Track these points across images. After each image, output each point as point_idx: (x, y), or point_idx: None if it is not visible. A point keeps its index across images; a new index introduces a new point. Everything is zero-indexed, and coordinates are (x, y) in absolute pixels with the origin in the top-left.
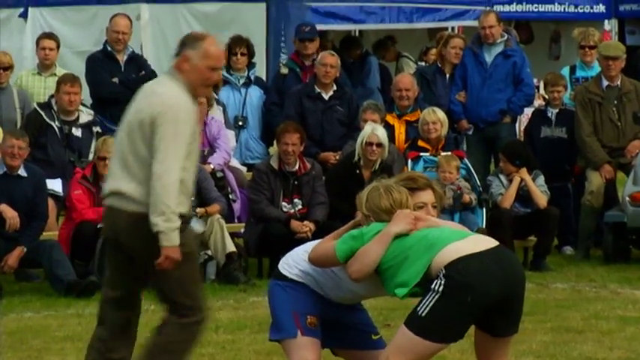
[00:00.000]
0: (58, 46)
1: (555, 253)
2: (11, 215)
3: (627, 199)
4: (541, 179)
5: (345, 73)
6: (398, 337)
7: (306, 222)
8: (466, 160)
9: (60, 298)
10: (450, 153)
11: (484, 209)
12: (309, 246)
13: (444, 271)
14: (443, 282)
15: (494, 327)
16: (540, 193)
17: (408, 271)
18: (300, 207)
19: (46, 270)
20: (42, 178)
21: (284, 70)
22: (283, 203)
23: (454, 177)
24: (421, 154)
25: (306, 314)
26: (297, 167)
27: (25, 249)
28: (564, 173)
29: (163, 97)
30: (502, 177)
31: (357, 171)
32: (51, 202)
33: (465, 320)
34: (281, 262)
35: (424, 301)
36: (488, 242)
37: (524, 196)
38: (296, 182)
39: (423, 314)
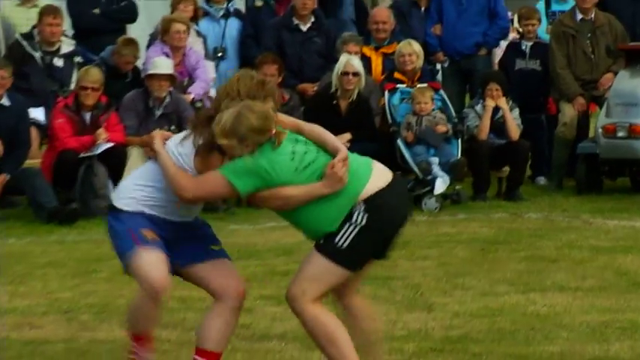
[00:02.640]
0: None
1: (529, 184)
2: None
3: (600, 130)
4: (516, 112)
5: (319, 5)
6: (312, 267)
7: None
8: (442, 92)
9: (42, 225)
10: (425, 85)
11: (459, 140)
12: (139, 178)
13: (363, 206)
14: (365, 216)
15: (375, 255)
16: (514, 125)
17: (331, 210)
18: None
19: (28, 197)
20: (25, 107)
21: (258, 3)
22: None
23: (429, 108)
24: (397, 85)
25: (140, 228)
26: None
27: (8, 176)
28: (538, 105)
29: None
30: (477, 109)
31: (335, 101)
32: (34, 131)
33: (375, 250)
34: (112, 196)
35: (343, 233)
36: (388, 172)
37: (498, 127)
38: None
39: (344, 245)
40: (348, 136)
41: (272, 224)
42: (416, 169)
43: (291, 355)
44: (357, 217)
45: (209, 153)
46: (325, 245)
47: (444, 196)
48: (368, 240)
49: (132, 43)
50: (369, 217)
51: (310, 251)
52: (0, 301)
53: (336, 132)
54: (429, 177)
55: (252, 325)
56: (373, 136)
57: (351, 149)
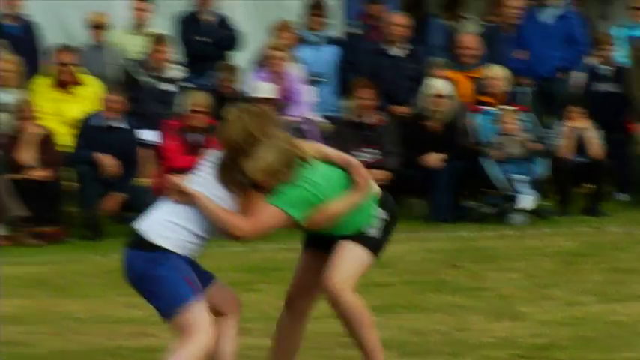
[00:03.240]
0: (150, 7)
1: (610, 200)
2: (110, 163)
3: None
4: (596, 132)
5: (412, 32)
6: (351, 258)
7: (380, 171)
8: (526, 113)
9: None
10: (510, 106)
11: (543, 159)
12: (173, 215)
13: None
14: (382, 210)
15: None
16: (595, 144)
17: (366, 212)
18: (375, 157)
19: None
20: (136, 129)
21: (354, 31)
22: (360, 153)
23: (514, 128)
24: (484, 107)
25: (192, 275)
26: (370, 119)
27: (123, 194)
28: (617, 125)
29: None
30: (560, 129)
31: (425, 122)
32: (145, 152)
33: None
34: (150, 232)
35: (372, 227)
36: None
37: (580, 146)
38: (371, 134)
39: (377, 236)
40: (439, 156)
41: None
42: (502, 186)
43: None
44: (380, 212)
45: (246, 192)
46: (359, 237)
47: (529, 212)
48: (389, 229)
49: (231, 68)
50: (387, 212)
51: (342, 244)
52: (116, 311)
53: (426, 151)
54: (515, 193)
55: None
56: (461, 155)
57: (442, 168)
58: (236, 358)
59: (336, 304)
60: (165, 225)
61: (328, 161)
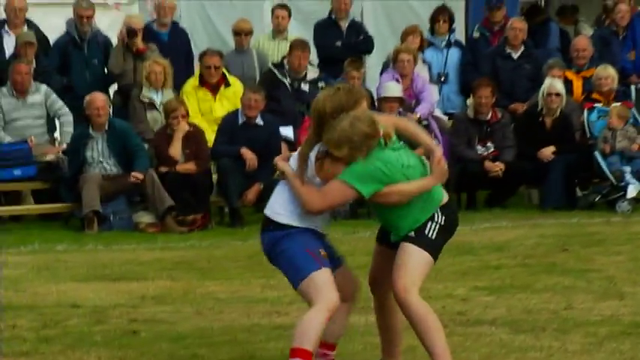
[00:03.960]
0: (290, 15)
1: None
2: (250, 157)
3: None
4: None
5: (529, 35)
6: (415, 260)
7: (497, 162)
8: (634, 110)
9: None
10: (619, 104)
11: None
12: (283, 191)
13: (440, 210)
14: (443, 217)
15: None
16: None
17: (426, 208)
18: (492, 150)
19: None
20: (276, 125)
21: (476, 34)
22: (478, 146)
23: (622, 124)
24: (595, 104)
25: (316, 248)
26: (489, 116)
27: (262, 185)
28: None
29: None
30: None
31: (540, 119)
32: (284, 146)
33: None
34: (272, 213)
35: (430, 228)
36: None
37: None
38: (489, 129)
39: (435, 239)
40: (552, 148)
41: (486, 225)
42: (611, 176)
43: (500, 338)
44: (438, 218)
45: (325, 161)
46: (420, 238)
47: (635, 200)
48: (444, 237)
49: (357, 62)
50: (446, 219)
51: (404, 247)
52: (253, 292)
53: (542, 145)
54: (622, 183)
55: (467, 312)
56: (574, 148)
57: (555, 160)
58: (356, 335)
59: (403, 307)
60: (280, 204)
61: (413, 138)
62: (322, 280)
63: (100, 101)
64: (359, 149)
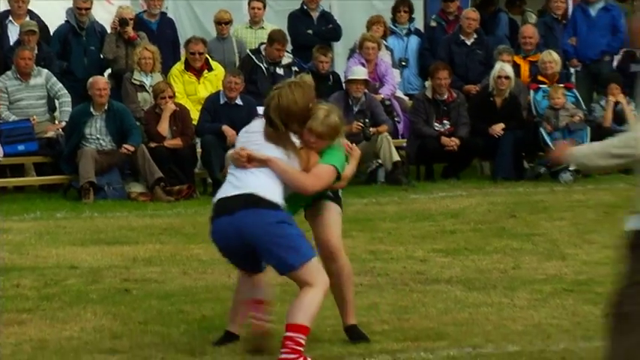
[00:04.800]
0: (264, 6)
1: None
2: (231, 134)
3: None
4: (632, 105)
5: (481, 24)
6: (339, 218)
7: (453, 138)
8: (574, 91)
9: None
10: (561, 85)
11: (588, 129)
12: (271, 176)
13: None
14: None
15: None
16: (631, 115)
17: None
18: (448, 126)
19: None
20: (254, 105)
21: (433, 24)
22: (435, 124)
23: (562, 102)
24: (540, 86)
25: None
26: (446, 96)
27: None
28: None
29: None
30: (602, 103)
31: (491, 99)
32: None
33: None
34: (261, 193)
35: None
36: None
37: (619, 117)
38: (445, 108)
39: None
40: (502, 125)
41: (443, 194)
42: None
43: (455, 295)
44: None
45: (300, 151)
46: (334, 197)
47: (576, 171)
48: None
49: (324, 48)
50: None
51: (327, 204)
52: None
53: (493, 122)
54: None
55: (426, 271)
56: (521, 125)
57: (504, 135)
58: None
59: (335, 260)
60: (270, 185)
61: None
62: (318, 264)
63: (102, 83)
64: (336, 138)
